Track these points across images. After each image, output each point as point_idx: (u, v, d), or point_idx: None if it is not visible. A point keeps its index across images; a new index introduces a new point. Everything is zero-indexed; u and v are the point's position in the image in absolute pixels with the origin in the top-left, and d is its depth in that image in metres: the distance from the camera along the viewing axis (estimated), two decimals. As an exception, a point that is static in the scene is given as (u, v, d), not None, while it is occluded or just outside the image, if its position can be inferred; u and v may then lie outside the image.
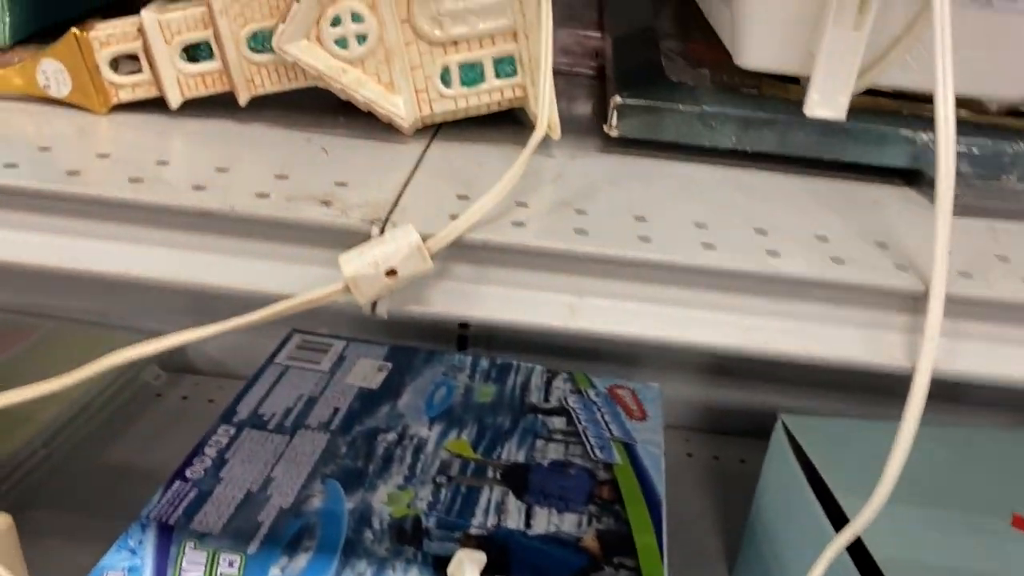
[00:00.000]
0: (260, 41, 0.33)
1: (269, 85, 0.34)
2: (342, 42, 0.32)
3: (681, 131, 0.34)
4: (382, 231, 0.27)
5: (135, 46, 0.33)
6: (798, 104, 0.35)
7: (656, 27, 0.45)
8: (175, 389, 0.67)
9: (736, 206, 0.31)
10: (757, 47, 0.34)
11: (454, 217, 0.28)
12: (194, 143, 0.32)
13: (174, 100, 0.34)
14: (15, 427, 0.54)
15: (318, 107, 0.34)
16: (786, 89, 0.36)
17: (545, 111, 0.31)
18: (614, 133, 0.34)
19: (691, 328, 0.27)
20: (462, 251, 0.27)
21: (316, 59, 0.32)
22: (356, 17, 0.32)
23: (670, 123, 0.34)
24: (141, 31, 0.33)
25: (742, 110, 0.34)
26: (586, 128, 0.37)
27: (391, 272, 0.26)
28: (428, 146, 0.34)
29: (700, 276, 0.26)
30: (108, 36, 0.33)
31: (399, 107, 0.33)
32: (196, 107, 0.34)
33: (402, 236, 0.26)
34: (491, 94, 0.34)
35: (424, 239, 0.26)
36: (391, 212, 0.27)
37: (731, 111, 0.34)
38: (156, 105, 0.34)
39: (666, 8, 0.50)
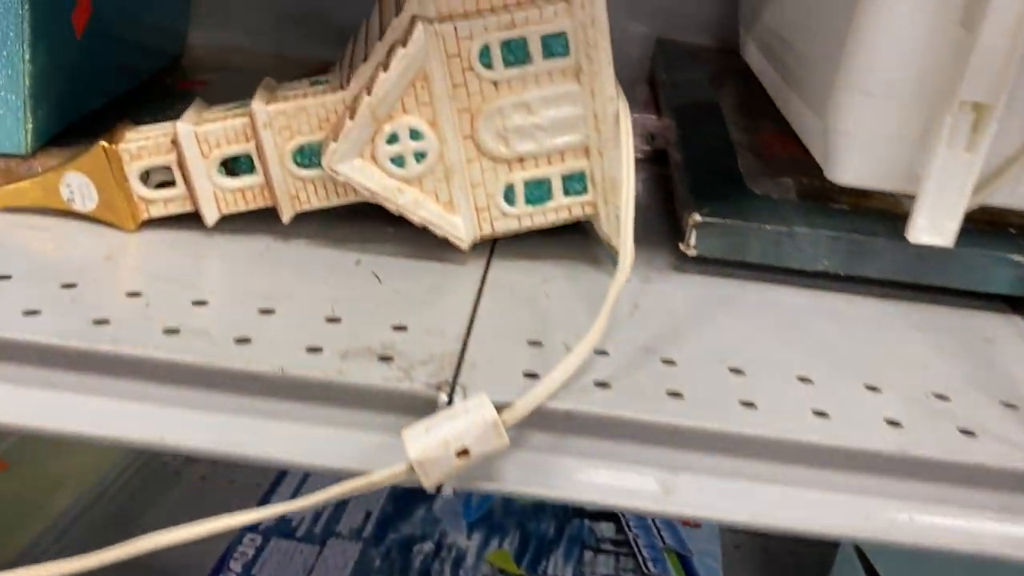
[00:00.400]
0: (307, 156, 0.30)
1: (316, 201, 0.31)
2: (399, 160, 0.29)
3: (767, 252, 0.31)
4: (450, 398, 0.23)
5: (168, 159, 0.30)
6: (893, 219, 0.32)
7: (721, 110, 0.42)
8: (194, 468, 0.64)
9: (839, 350, 0.28)
10: (854, 163, 0.30)
11: (529, 376, 0.24)
12: (233, 271, 0.29)
13: (210, 217, 0.30)
14: (24, 520, 0.51)
15: (364, 216, 0.31)
16: (880, 199, 0.33)
17: (628, 255, 0.27)
18: (692, 253, 0.31)
19: (805, 512, 0.23)
20: (540, 419, 0.23)
21: (371, 179, 0.29)
22: (415, 134, 0.28)
23: (755, 244, 0.31)
24: (175, 143, 0.30)
25: (835, 230, 0.31)
26: (655, 236, 0.34)
27: (463, 452, 0.22)
28: (488, 267, 0.31)
29: (814, 454, 0.23)
30: (139, 148, 0.30)
31: (458, 228, 0.30)
32: (233, 222, 0.31)
33: (475, 410, 0.23)
34: (558, 212, 0.31)
35: (498, 409, 0.23)
36: (458, 370, 0.24)
37: (823, 231, 0.31)
38: (189, 220, 0.31)
39: (727, 85, 0.47)
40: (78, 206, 0.31)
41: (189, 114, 0.30)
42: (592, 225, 0.32)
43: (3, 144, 0.32)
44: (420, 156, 0.29)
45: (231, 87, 0.41)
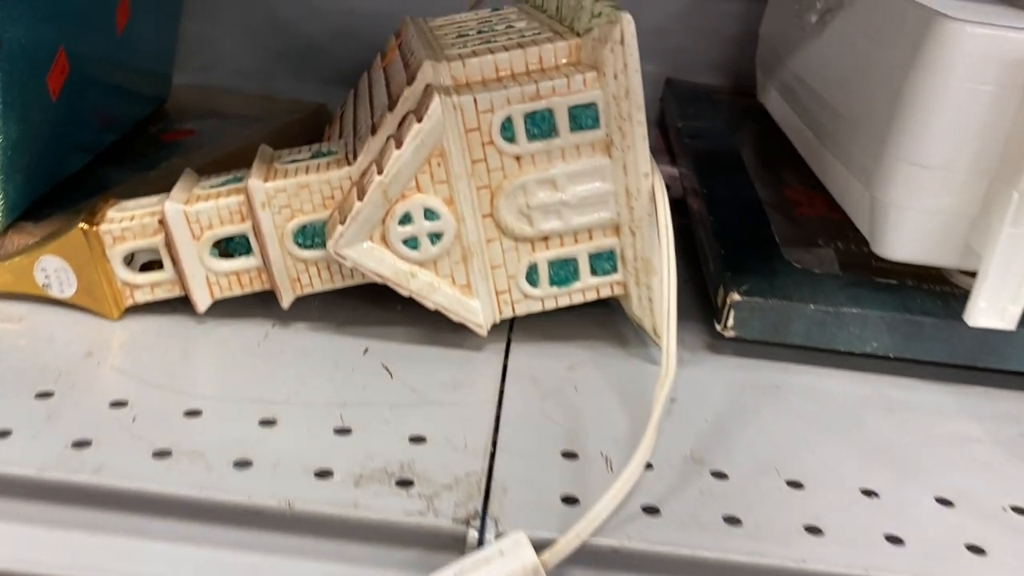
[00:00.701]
0: (309, 236, 0.27)
1: (318, 284, 0.28)
2: (412, 242, 0.26)
3: (811, 334, 0.29)
4: (481, 535, 0.21)
5: (155, 241, 0.27)
6: (946, 297, 0.29)
7: (743, 160, 0.40)
8: None
9: (899, 451, 0.25)
10: (905, 239, 0.28)
11: (568, 501, 0.22)
12: (228, 368, 0.26)
13: (202, 303, 0.28)
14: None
15: (370, 293, 0.29)
16: (931, 272, 0.30)
17: (671, 355, 0.25)
18: (729, 334, 0.29)
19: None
20: (584, 556, 0.21)
21: (381, 264, 0.26)
22: (430, 214, 0.26)
23: (799, 325, 0.29)
24: (163, 223, 0.27)
25: (884, 310, 0.28)
26: (683, 305, 0.31)
27: (499, 600, 0.20)
28: (507, 351, 0.28)
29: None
30: (123, 230, 0.27)
31: (477, 313, 0.27)
32: (226, 307, 0.28)
33: (511, 552, 0.20)
34: (585, 292, 0.28)
35: (537, 548, 0.20)
36: (487, 496, 0.22)
37: (872, 311, 0.28)
38: (179, 304, 0.28)
39: (744, 130, 0.45)
40: (55, 292, 0.28)
41: (178, 190, 0.27)
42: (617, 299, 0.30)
43: (-29, 221, 0.29)
44: (435, 237, 0.26)
45: (220, 137, 0.39)
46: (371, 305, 0.30)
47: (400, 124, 0.26)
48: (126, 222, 0.27)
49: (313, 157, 0.28)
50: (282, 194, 0.26)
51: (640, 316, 0.28)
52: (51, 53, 0.30)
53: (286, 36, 0.50)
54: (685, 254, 0.35)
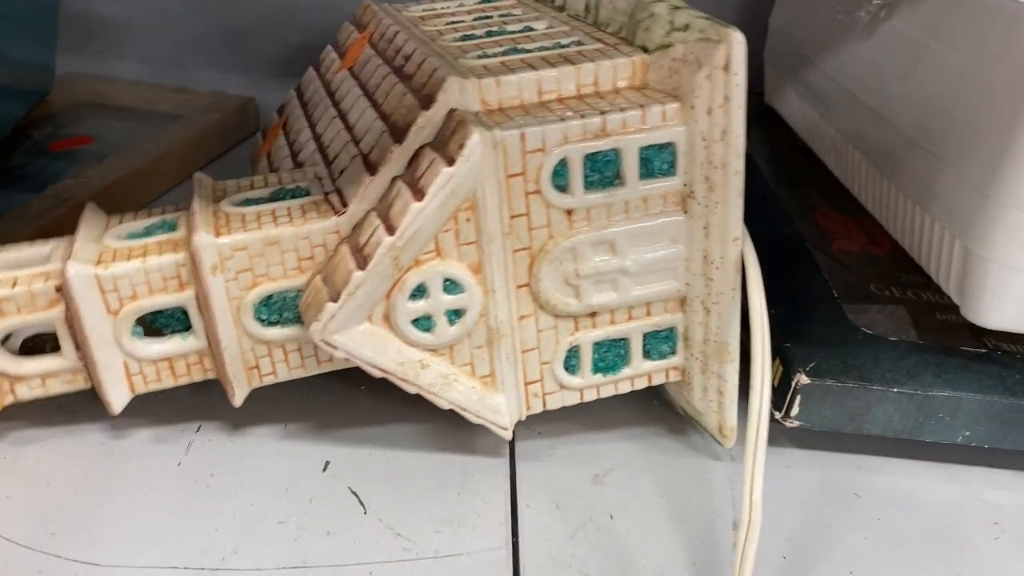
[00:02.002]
0: (276, 309, 0.20)
1: (284, 372, 0.20)
2: (425, 322, 0.19)
3: (892, 423, 0.24)
4: None
5: (49, 316, 0.19)
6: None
7: (765, 178, 0.34)
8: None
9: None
10: (1010, 304, 0.23)
11: None
12: (138, 510, 0.18)
13: (117, 401, 0.20)
14: None
15: (337, 379, 0.22)
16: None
17: (755, 510, 0.19)
18: (792, 424, 0.23)
19: None
20: None
21: (383, 352, 0.19)
22: (451, 285, 0.19)
23: (879, 413, 0.23)
24: (62, 291, 0.19)
25: (980, 391, 0.24)
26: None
27: None
28: (513, 459, 0.22)
29: None
30: (1, 301, 0.19)
31: (499, 412, 0.21)
32: (149, 406, 0.20)
33: None
34: (634, 380, 0.22)
35: None
36: None
37: (966, 393, 0.24)
38: (81, 405, 0.20)
39: (752, 134, 0.39)
40: None
41: (83, 241, 0.19)
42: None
43: None
44: (455, 315, 0.19)
45: (125, 145, 0.29)
46: (325, 388, 0.23)
47: (412, 162, 0.19)
48: (6, 289, 0.19)
49: (275, 198, 0.20)
50: (241, 254, 0.19)
51: (702, 410, 0.22)
52: None
53: (205, 17, 0.41)
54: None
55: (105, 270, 0.19)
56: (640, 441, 0.23)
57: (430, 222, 0.18)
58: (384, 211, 0.19)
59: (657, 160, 0.19)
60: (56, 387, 0.20)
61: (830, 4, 0.35)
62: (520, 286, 0.20)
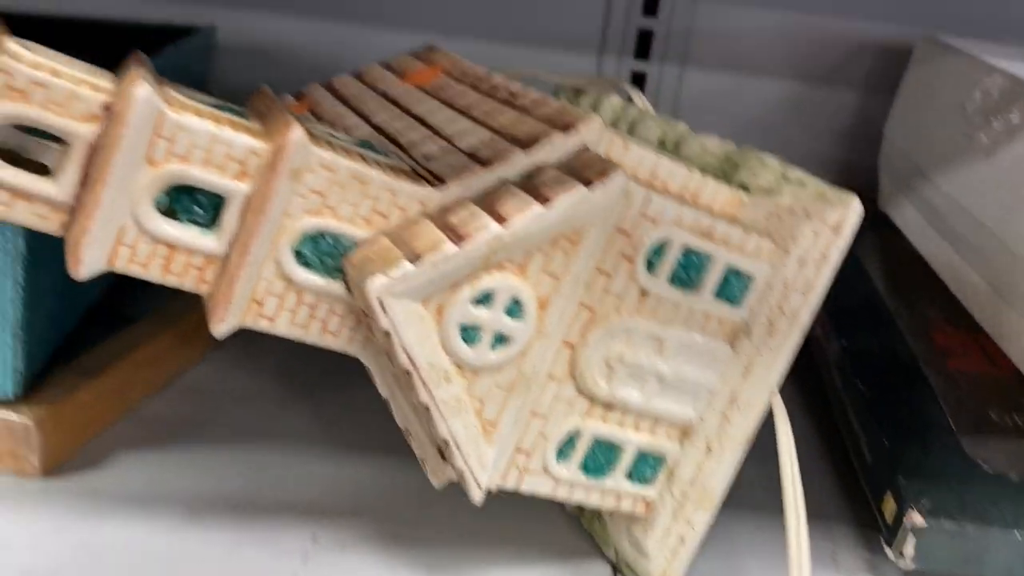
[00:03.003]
0: (322, 251, 0.17)
1: (284, 325, 0.17)
2: (472, 333, 0.17)
3: (1013, 568, 0.22)
4: None
5: (77, 129, 0.15)
6: None
7: (878, 292, 0.32)
8: None
9: None
10: None
11: None
12: None
13: (89, 263, 0.16)
14: None
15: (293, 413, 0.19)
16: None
17: None
18: (907, 566, 0.22)
19: None
20: None
21: (422, 342, 0.17)
22: (515, 308, 0.17)
23: (997, 557, 0.22)
24: (110, 111, 0.15)
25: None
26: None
27: None
28: None
29: None
30: (31, 84, 0.15)
31: (485, 467, 0.18)
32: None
33: None
34: (603, 496, 0.20)
35: None
36: None
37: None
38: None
39: (865, 243, 0.37)
40: None
41: (143, 71, 0.16)
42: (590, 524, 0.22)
43: None
44: (500, 341, 0.18)
45: None
46: (292, 430, 0.19)
47: (534, 174, 0.18)
48: (41, 72, 0.15)
49: (361, 145, 0.18)
50: (326, 174, 0.17)
51: (651, 554, 0.21)
52: None
53: None
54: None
55: (174, 113, 0.16)
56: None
57: (541, 231, 0.17)
58: (489, 204, 0.17)
59: (733, 284, 0.19)
60: (21, 215, 0.16)
61: (949, 122, 0.34)
62: (567, 343, 0.18)
